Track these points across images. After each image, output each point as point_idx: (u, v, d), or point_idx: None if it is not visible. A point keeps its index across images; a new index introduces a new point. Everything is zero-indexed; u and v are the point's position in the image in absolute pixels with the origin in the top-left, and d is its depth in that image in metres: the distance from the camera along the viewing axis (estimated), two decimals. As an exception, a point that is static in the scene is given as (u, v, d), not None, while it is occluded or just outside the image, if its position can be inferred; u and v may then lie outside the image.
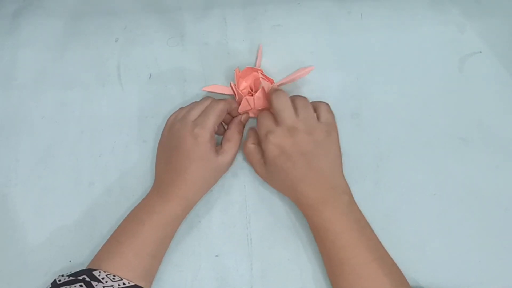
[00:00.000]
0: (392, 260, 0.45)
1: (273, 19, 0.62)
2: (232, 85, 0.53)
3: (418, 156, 0.55)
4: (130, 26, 0.62)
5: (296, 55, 0.60)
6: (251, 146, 0.51)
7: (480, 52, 0.60)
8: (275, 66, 0.59)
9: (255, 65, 0.58)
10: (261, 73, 0.54)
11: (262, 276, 0.50)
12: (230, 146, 0.51)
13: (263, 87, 0.53)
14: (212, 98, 0.53)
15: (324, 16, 0.62)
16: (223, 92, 0.57)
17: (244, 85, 0.54)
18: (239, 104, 0.54)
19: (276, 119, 0.49)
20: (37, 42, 0.62)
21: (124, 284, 0.43)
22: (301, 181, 0.47)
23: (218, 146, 0.52)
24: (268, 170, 0.50)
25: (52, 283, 0.44)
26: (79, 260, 0.50)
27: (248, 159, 0.52)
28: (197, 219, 0.53)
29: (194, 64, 0.60)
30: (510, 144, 0.55)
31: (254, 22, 0.62)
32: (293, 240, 0.51)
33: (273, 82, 0.54)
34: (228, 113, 0.54)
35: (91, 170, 0.55)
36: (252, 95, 0.53)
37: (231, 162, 0.52)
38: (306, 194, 0.47)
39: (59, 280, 0.44)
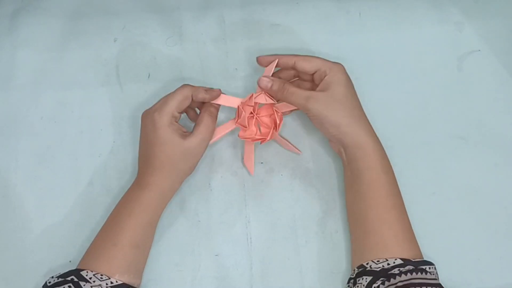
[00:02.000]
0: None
1: (271, 19, 0.62)
2: (240, 106, 0.52)
3: (418, 155, 0.55)
4: (129, 26, 0.62)
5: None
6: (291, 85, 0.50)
7: (479, 50, 0.60)
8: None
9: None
10: (266, 94, 0.51)
11: (262, 276, 0.50)
12: (199, 129, 0.50)
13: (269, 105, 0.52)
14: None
15: (323, 16, 0.62)
16: (227, 104, 0.54)
17: (248, 109, 0.52)
18: (238, 117, 0.52)
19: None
20: (37, 42, 0.62)
21: (112, 283, 0.43)
22: (359, 116, 0.50)
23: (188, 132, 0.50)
24: (329, 99, 0.49)
25: (43, 286, 0.44)
26: (79, 260, 0.50)
27: (291, 99, 0.50)
28: (197, 218, 0.53)
29: (192, 64, 0.60)
30: (509, 142, 0.55)
31: (253, 21, 0.62)
32: (293, 240, 0.51)
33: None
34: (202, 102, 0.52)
35: (90, 170, 0.55)
36: (253, 116, 0.52)
37: (201, 145, 0.50)
38: (358, 131, 0.48)
39: (49, 282, 0.44)
